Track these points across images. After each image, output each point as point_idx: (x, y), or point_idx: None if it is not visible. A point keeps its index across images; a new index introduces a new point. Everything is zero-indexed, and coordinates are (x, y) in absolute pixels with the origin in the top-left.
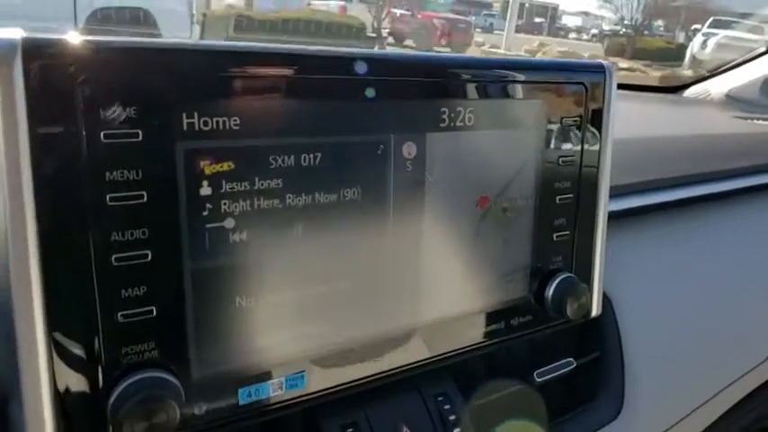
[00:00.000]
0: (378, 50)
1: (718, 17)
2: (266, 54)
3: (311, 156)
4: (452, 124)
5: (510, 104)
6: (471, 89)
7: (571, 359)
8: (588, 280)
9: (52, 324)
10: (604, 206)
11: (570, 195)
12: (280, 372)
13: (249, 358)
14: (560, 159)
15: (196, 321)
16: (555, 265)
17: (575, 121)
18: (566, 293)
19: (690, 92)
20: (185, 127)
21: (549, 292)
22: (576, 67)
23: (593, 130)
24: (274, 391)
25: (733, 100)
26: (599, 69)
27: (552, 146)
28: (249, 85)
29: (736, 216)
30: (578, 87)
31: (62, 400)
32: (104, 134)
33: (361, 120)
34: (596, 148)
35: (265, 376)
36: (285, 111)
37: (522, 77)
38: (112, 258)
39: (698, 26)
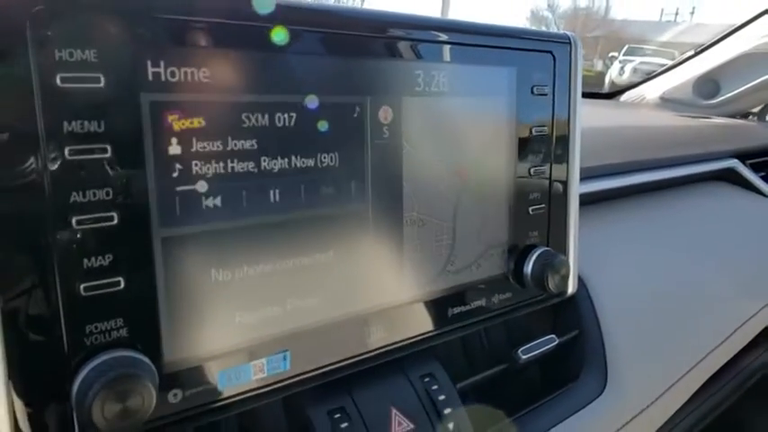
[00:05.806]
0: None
1: (632, 45)
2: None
3: (286, 116)
4: (427, 89)
5: (483, 71)
6: (446, 52)
7: (553, 336)
8: (564, 255)
9: (4, 297)
10: (576, 178)
11: (544, 167)
12: (261, 351)
13: (227, 337)
14: (533, 130)
15: (168, 295)
16: (531, 240)
17: (544, 89)
18: (546, 267)
19: (625, 97)
20: (150, 76)
21: (529, 266)
22: (544, 36)
23: (562, 99)
24: (256, 373)
25: (667, 101)
26: (565, 40)
27: (525, 115)
28: (220, 34)
29: (684, 199)
30: (546, 56)
31: (17, 389)
32: (61, 78)
33: (338, 80)
34: (565, 118)
35: (245, 357)
36: (258, 65)
37: (493, 42)
38: (73, 221)
39: (614, 54)
